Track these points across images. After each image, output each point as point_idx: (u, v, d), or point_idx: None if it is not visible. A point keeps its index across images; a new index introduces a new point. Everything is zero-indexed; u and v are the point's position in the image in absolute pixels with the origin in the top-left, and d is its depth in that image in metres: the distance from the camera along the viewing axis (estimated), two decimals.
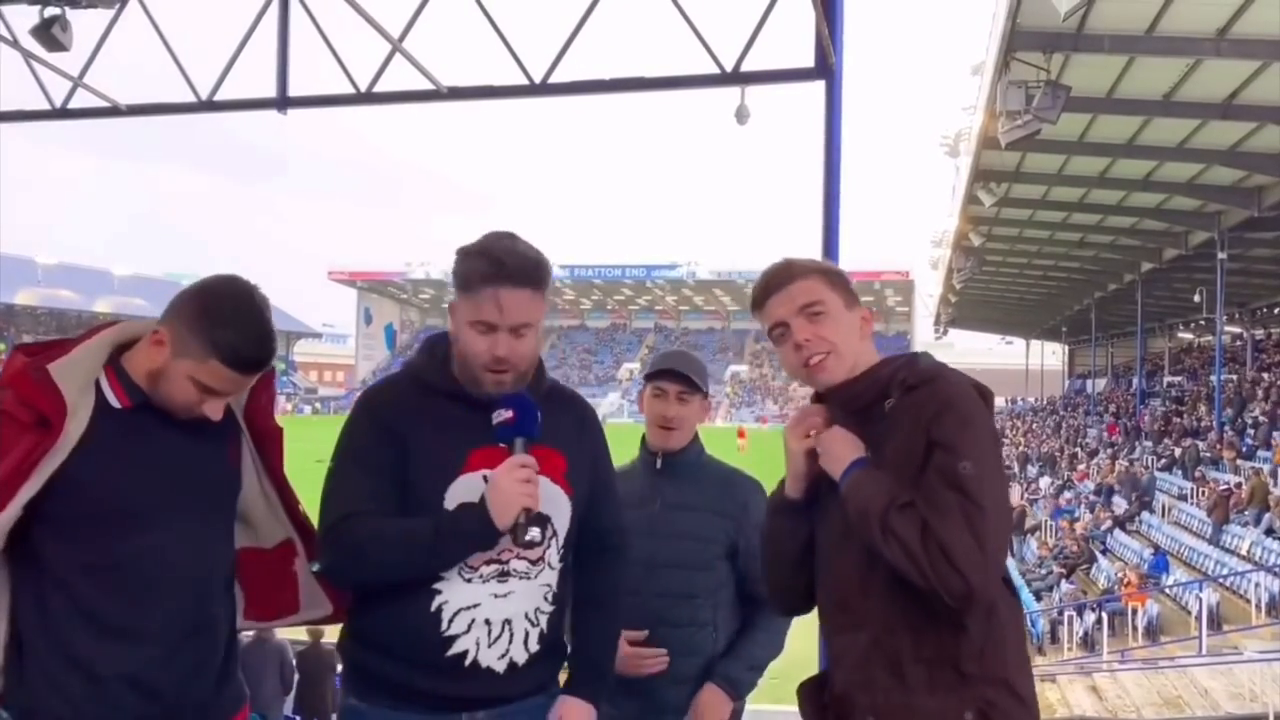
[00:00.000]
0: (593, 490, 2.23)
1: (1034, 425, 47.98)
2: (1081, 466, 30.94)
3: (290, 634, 8.90)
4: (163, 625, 1.95)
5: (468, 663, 2.04)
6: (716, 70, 6.57)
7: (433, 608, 2.04)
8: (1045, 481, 31.13)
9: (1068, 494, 27.83)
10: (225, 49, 7.54)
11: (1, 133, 8.42)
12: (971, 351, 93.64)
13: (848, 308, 1.99)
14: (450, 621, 2.04)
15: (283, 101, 7.10)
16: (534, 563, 2.10)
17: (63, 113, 7.78)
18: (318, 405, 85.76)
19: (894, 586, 1.78)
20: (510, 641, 2.07)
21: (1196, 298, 30.76)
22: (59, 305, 70.36)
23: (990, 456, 1.78)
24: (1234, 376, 33.49)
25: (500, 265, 2.00)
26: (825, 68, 6.01)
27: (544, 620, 2.13)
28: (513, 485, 1.96)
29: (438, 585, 2.04)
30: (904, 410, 1.85)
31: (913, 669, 1.79)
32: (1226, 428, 26.15)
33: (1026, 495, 29.13)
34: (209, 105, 7.48)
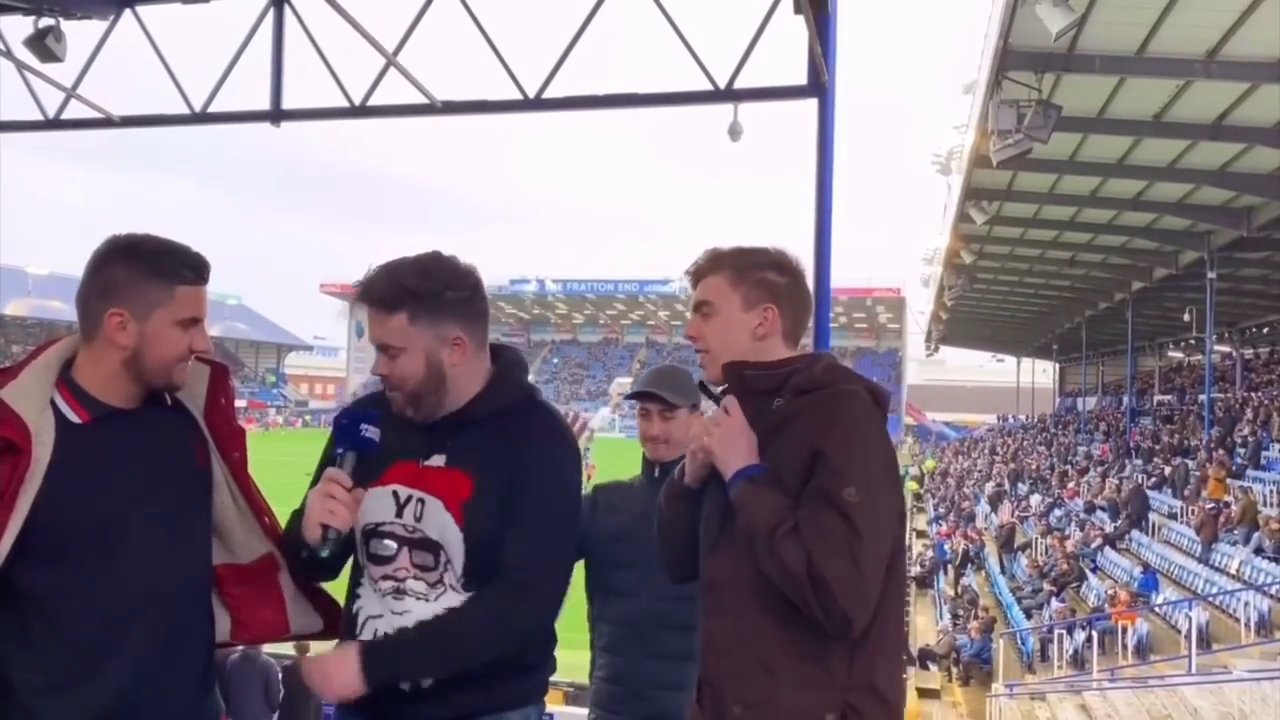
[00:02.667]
0: (501, 522, 2.02)
1: (1025, 442, 48.06)
2: (1071, 484, 30.97)
3: (276, 649, 8.82)
4: (146, 642, 1.90)
5: None
6: (710, 87, 6.61)
7: (353, 610, 2.10)
8: (1036, 499, 31.14)
9: (1058, 511, 27.86)
10: (220, 61, 7.56)
11: None
12: (963, 369, 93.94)
13: (746, 308, 1.99)
14: (361, 627, 2.06)
15: (277, 114, 7.11)
16: (432, 585, 2.03)
17: (55, 123, 7.78)
18: (308, 418, 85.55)
19: (770, 583, 1.79)
20: None
21: (1186, 317, 30.91)
22: (49, 316, 70.10)
23: (876, 475, 1.78)
24: (1224, 395, 33.62)
25: (359, 288, 2.04)
26: (818, 86, 6.04)
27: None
28: (316, 499, 1.99)
29: (359, 590, 2.11)
30: (791, 415, 1.87)
31: (780, 663, 1.80)
32: (1216, 447, 26.23)
33: (1017, 512, 29.16)
34: (202, 117, 7.48)
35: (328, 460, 2.08)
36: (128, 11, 7.38)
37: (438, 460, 2.05)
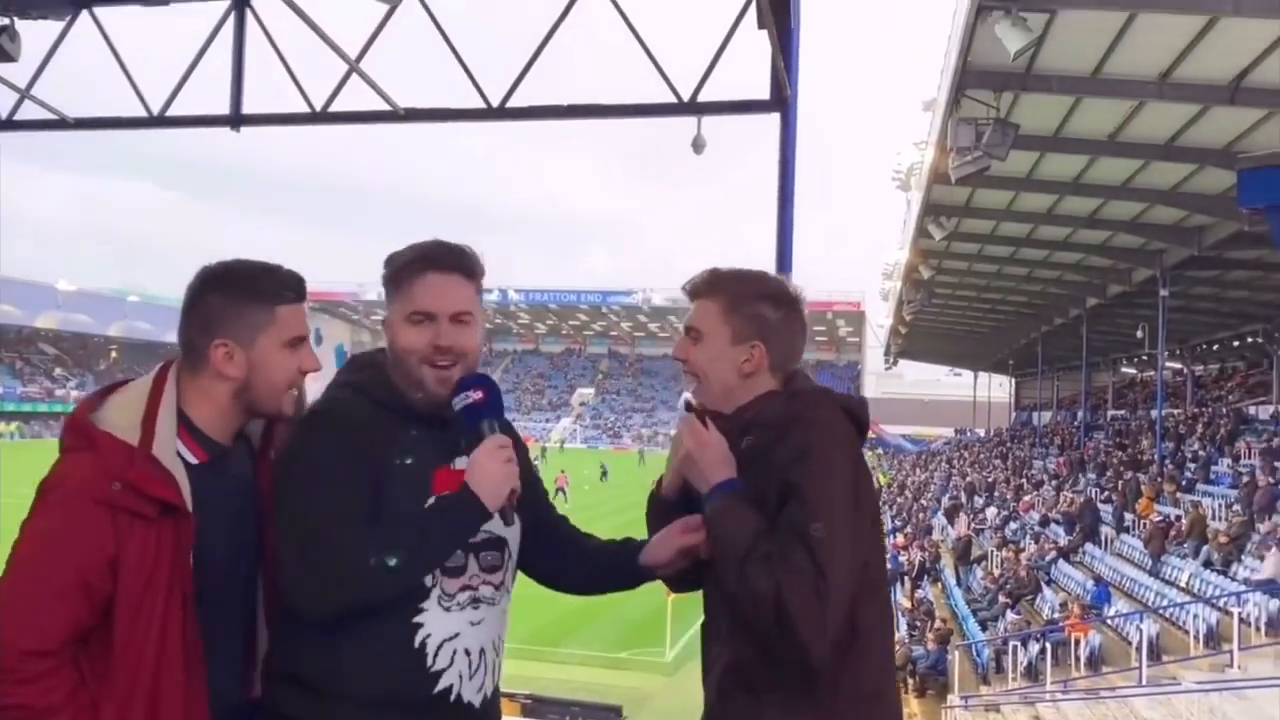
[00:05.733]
0: (535, 506, 2.14)
1: (981, 456, 48.60)
2: (1027, 497, 31.36)
3: None
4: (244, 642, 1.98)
5: (452, 698, 1.93)
6: (674, 100, 6.64)
7: (416, 643, 1.90)
8: (991, 512, 31.50)
9: (1013, 524, 28.19)
10: (180, 65, 7.47)
11: None
12: (921, 382, 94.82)
13: (734, 341, 1.97)
14: (435, 655, 1.91)
15: (236, 119, 7.04)
16: (496, 588, 2.01)
17: (8, 124, 7.65)
18: None
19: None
20: (485, 672, 1.99)
21: (1139, 333, 31.47)
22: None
23: (842, 508, 1.78)
24: (1175, 411, 34.24)
25: (428, 253, 1.95)
26: (780, 99, 6.09)
27: (503, 650, 2.06)
28: (499, 466, 1.87)
29: (419, 618, 1.90)
30: (760, 450, 1.87)
31: (768, 693, 1.81)
32: (1167, 461, 26.70)
33: (973, 525, 29.45)
34: (160, 120, 7.39)
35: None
36: (84, 13, 7.27)
37: (465, 462, 1.96)
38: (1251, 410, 31.14)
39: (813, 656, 1.72)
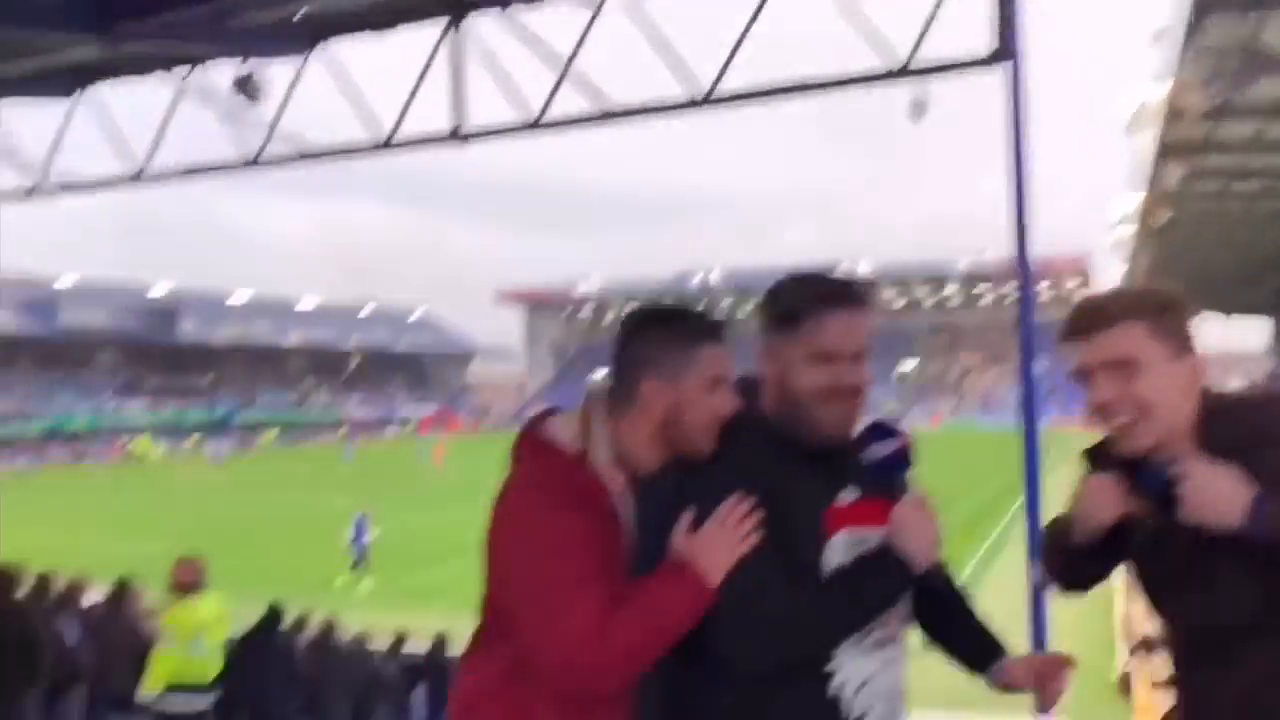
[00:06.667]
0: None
1: None
2: None
3: None
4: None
5: None
6: (887, 65, 6.39)
7: (829, 692, 1.81)
8: None
9: None
10: (399, 86, 7.84)
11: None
12: None
13: (1175, 357, 1.69)
14: (852, 702, 1.82)
15: (459, 135, 7.32)
16: (899, 625, 1.92)
17: (256, 163, 8.28)
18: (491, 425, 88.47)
19: (1266, 625, 1.61)
20: (898, 716, 1.90)
21: None
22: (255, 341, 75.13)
23: None
24: None
25: (829, 291, 1.88)
26: (1006, 51, 5.76)
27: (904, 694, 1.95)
28: (926, 527, 1.78)
29: (830, 666, 1.80)
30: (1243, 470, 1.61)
31: None
32: None
33: None
34: (389, 145, 7.79)
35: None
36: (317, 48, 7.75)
37: (851, 495, 1.88)
38: None
39: None
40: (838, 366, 1.84)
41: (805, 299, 1.88)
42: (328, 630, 9.92)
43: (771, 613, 1.75)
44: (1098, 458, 1.83)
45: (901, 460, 1.87)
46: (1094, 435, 1.88)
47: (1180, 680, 1.81)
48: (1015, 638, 2.27)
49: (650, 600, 1.74)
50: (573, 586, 1.71)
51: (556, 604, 1.70)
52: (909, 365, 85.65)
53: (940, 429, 61.20)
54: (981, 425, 62.02)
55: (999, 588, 16.94)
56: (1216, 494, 1.58)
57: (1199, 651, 1.74)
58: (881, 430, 1.89)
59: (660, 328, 1.92)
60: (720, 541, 1.77)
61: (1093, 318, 1.72)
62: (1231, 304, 53.66)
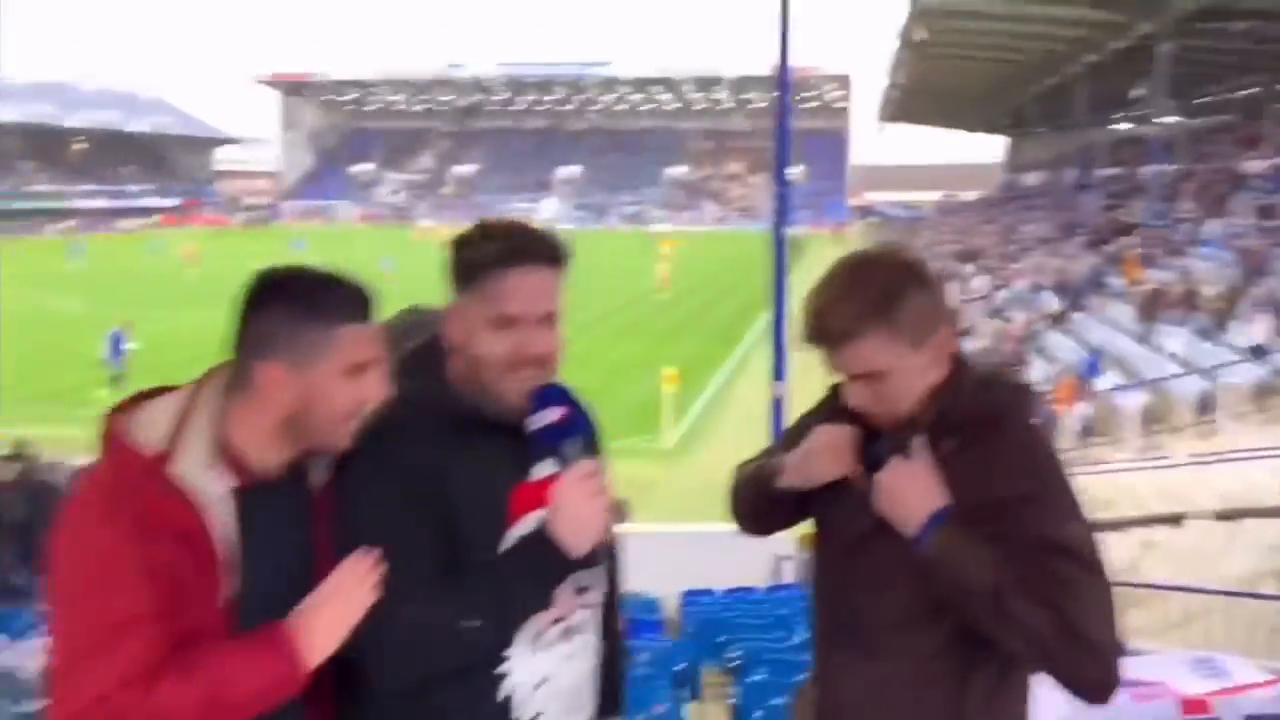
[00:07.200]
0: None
1: (970, 222, 48.22)
2: (1015, 265, 31.17)
3: None
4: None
5: None
6: None
7: (500, 696, 1.65)
8: (980, 281, 31.32)
9: (1004, 293, 28.15)
10: None
11: None
12: (908, 150, 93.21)
13: (916, 347, 1.64)
14: (527, 703, 1.67)
15: None
16: (592, 609, 1.76)
17: None
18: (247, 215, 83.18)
19: (914, 625, 1.64)
20: (580, 712, 1.77)
21: (1140, 91, 30.47)
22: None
23: (1082, 506, 1.61)
24: (1171, 168, 33.55)
25: (514, 246, 1.63)
26: None
27: (600, 678, 1.82)
28: (585, 504, 1.59)
29: (501, 669, 1.65)
30: (965, 461, 1.63)
31: (914, 712, 1.66)
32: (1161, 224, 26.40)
33: (962, 295, 29.45)
34: None
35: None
36: None
37: (548, 469, 1.67)
38: (1245, 167, 30.50)
39: (1113, 670, 1.53)
40: (522, 332, 1.62)
41: (487, 255, 1.62)
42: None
43: (404, 631, 1.54)
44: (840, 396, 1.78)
45: (565, 428, 1.65)
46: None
47: (819, 657, 1.83)
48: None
49: (220, 666, 1.41)
50: (117, 626, 1.37)
51: (93, 645, 1.37)
52: (679, 170, 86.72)
53: (704, 234, 62.82)
54: (743, 231, 63.92)
55: (751, 388, 17.81)
56: (904, 496, 1.61)
57: (843, 632, 1.75)
58: (547, 395, 1.66)
59: (288, 303, 1.54)
60: (337, 609, 1.48)
61: (835, 334, 1.64)
62: (975, 122, 57.10)
